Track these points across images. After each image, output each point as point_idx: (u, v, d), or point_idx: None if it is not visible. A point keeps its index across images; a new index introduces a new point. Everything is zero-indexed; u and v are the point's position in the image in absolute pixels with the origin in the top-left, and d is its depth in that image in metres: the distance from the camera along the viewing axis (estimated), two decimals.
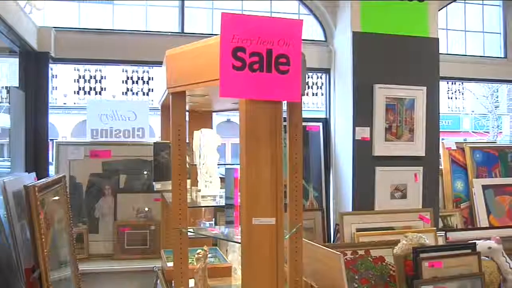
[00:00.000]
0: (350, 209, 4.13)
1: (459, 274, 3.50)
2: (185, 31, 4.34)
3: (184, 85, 2.21)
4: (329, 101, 4.58)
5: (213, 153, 2.52)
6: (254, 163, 1.87)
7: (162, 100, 2.99)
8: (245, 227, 1.88)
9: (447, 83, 13.76)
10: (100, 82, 12.56)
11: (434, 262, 3.54)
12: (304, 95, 2.16)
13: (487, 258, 3.94)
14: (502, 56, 5.38)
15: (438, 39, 4.38)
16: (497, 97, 15.94)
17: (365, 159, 4.13)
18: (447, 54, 5.06)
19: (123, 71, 12.27)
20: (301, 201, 2.22)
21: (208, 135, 2.55)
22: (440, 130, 4.48)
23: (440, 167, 4.62)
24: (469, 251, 3.65)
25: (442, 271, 3.55)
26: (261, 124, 1.88)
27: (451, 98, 16.52)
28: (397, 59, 4.21)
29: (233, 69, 1.81)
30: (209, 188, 2.53)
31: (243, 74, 1.81)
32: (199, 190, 2.60)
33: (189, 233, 2.37)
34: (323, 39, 4.59)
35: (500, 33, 5.42)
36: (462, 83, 14.30)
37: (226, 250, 2.98)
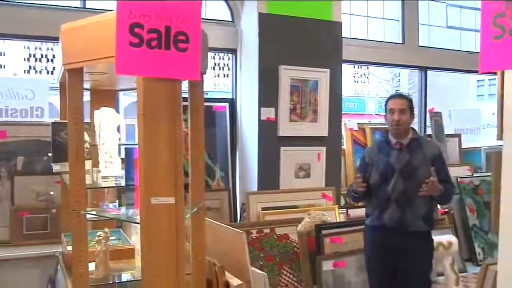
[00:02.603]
0: (256, 189, 4.19)
1: (358, 248, 3.70)
2: (87, 6, 4.15)
3: (80, 61, 2.11)
4: (236, 82, 4.58)
5: (113, 132, 2.45)
6: (152, 142, 1.84)
7: (59, 78, 2.85)
8: (143, 207, 1.85)
9: (354, 66, 14.23)
10: None
11: (335, 238, 3.72)
12: (205, 74, 2.16)
13: None
14: (400, 42, 5.66)
15: (341, 23, 4.51)
16: (398, 81, 16.72)
17: (270, 139, 4.20)
18: (350, 38, 5.22)
19: (25, 47, 11.52)
20: (202, 180, 2.23)
21: (108, 114, 2.46)
22: (347, 112, 4.65)
23: (342, 147, 4.81)
24: None
25: (343, 246, 3.74)
26: (159, 102, 1.85)
27: (357, 81, 17.10)
28: (302, 41, 4.29)
29: (130, 45, 1.75)
30: (109, 169, 2.46)
31: (140, 51, 1.77)
32: (100, 171, 2.53)
33: (90, 215, 2.30)
34: (230, 19, 4.58)
35: (398, 20, 5.69)
36: (368, 68, 14.86)
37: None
